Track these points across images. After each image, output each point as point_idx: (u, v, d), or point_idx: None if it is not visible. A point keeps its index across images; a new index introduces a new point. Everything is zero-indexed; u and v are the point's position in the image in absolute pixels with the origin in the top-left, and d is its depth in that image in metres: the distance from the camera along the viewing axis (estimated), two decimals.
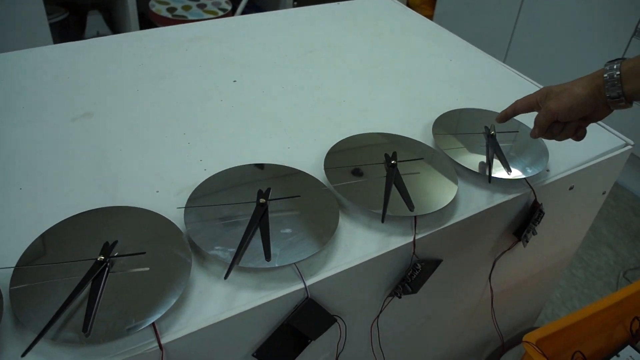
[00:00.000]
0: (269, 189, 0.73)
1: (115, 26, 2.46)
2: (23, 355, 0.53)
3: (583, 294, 1.70)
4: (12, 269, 0.61)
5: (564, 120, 0.75)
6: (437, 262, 0.79)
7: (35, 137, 0.84)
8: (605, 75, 0.71)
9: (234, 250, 0.64)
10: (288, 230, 0.68)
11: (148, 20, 2.33)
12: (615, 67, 0.70)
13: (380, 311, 0.79)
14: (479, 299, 1.00)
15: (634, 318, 1.10)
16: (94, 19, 2.36)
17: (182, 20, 2.25)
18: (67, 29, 2.33)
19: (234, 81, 1.02)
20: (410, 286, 0.75)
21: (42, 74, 1.00)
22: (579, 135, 0.79)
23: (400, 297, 0.76)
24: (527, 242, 0.89)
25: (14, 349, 0.56)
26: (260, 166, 0.79)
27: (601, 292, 1.71)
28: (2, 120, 0.88)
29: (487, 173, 0.82)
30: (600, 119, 0.77)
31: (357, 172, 0.79)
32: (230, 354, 0.66)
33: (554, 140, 0.93)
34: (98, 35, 2.36)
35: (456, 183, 0.79)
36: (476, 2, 2.48)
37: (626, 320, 1.11)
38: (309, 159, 0.83)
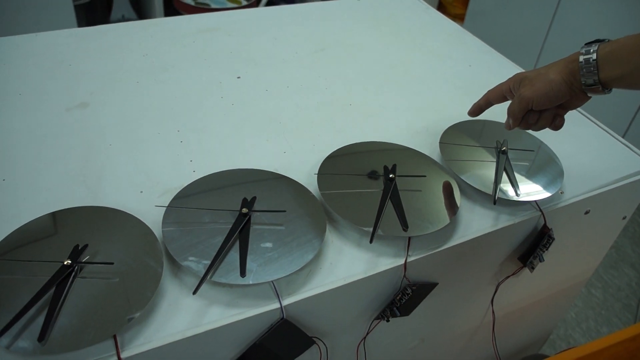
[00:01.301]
0: (254, 198, 0.69)
1: (141, 10, 2.45)
2: None
3: (600, 316, 1.62)
4: None
5: (538, 108, 0.70)
6: (431, 286, 0.74)
7: (27, 125, 0.82)
8: (581, 59, 0.65)
9: (208, 262, 0.60)
10: (269, 245, 0.64)
11: (174, 7, 2.31)
12: (592, 50, 0.64)
13: (367, 333, 0.74)
14: (480, 323, 0.95)
15: None
16: (121, 2, 2.34)
17: (205, 8, 2.22)
18: (94, 12, 2.32)
19: (238, 77, 0.98)
20: (399, 310, 0.70)
21: (44, 60, 0.98)
22: (556, 124, 0.74)
23: (388, 321, 0.72)
24: (533, 268, 0.83)
25: None
26: (250, 171, 0.75)
27: (619, 314, 1.64)
28: None
29: (493, 193, 0.76)
30: (578, 107, 0.72)
31: (352, 184, 0.74)
32: None
33: (570, 160, 0.87)
34: (123, 19, 2.35)
35: (458, 202, 0.74)
36: (511, 2, 2.40)
37: (639, 356, 1.04)
38: (304, 166, 0.79)
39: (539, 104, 0.70)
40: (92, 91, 0.91)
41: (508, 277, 0.86)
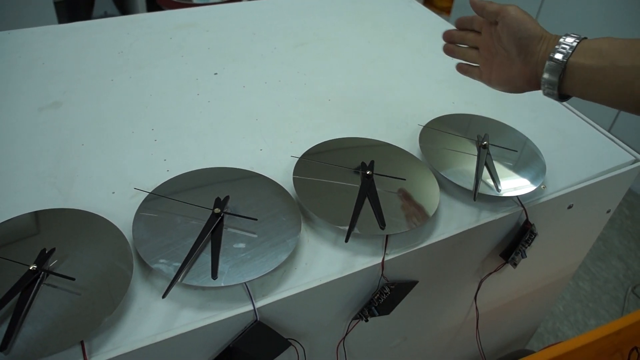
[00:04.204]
0: (227, 197, 0.67)
1: (124, 6, 2.42)
2: None
3: (588, 308, 1.62)
4: None
5: (501, 42, 0.69)
6: (412, 284, 0.73)
7: None
8: (545, 76, 0.64)
9: (179, 264, 0.59)
10: (242, 245, 0.62)
11: (156, 3, 2.28)
12: (561, 58, 0.62)
13: (346, 334, 0.73)
14: (463, 320, 0.94)
15: (633, 348, 1.02)
16: None
17: (188, 4, 2.19)
18: (76, 9, 2.29)
19: (215, 74, 0.96)
20: (378, 310, 0.69)
21: (17, 58, 0.96)
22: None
23: (366, 321, 0.71)
24: (516, 264, 0.82)
25: None
26: (225, 170, 0.74)
27: (607, 306, 1.63)
28: None
29: (473, 188, 0.75)
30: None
31: (329, 182, 0.73)
32: None
33: (554, 154, 0.86)
34: (106, 15, 2.32)
35: (437, 199, 0.73)
36: None
37: (624, 350, 1.03)
38: (281, 163, 0.77)
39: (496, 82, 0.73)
40: (65, 90, 0.89)
41: (490, 273, 0.85)
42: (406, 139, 0.85)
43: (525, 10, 0.68)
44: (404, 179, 0.74)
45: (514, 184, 0.78)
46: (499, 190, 0.76)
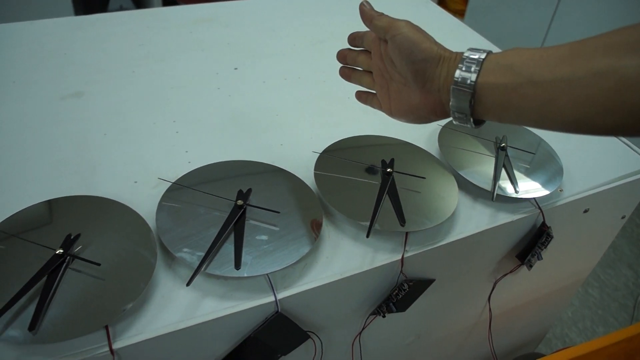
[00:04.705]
0: (249, 190, 0.68)
1: (139, 0, 2.43)
2: None
3: (596, 315, 1.62)
4: None
5: (394, 67, 0.59)
6: (429, 282, 0.73)
7: (20, 114, 0.81)
8: (452, 102, 0.54)
9: (202, 254, 0.59)
10: (264, 237, 0.63)
11: None
12: (468, 81, 0.51)
13: (363, 328, 0.73)
14: (477, 320, 0.94)
15: None
16: None
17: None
18: (92, 2, 2.30)
19: (235, 69, 0.97)
20: (396, 306, 0.69)
21: (38, 48, 0.97)
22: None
23: (384, 317, 0.71)
24: (532, 266, 0.83)
25: None
26: (247, 163, 0.74)
27: (616, 314, 1.63)
28: None
29: (492, 189, 0.76)
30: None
31: (349, 179, 0.73)
32: None
33: (570, 158, 0.86)
34: (121, 9, 2.33)
35: (456, 198, 0.73)
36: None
37: (636, 357, 1.03)
38: (300, 159, 0.78)
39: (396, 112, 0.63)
40: (87, 80, 0.90)
41: (506, 274, 0.85)
42: (425, 138, 0.86)
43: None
44: (424, 178, 0.75)
45: (531, 186, 0.78)
46: (517, 192, 0.77)
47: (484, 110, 0.52)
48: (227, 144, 0.79)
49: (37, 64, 0.92)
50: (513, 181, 0.78)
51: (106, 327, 0.54)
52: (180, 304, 0.58)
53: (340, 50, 0.69)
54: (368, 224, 0.66)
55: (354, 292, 0.68)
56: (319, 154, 0.76)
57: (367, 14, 0.61)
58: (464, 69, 0.52)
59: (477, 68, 0.51)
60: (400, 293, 0.68)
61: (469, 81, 0.51)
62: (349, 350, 0.76)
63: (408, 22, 0.58)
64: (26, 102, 0.83)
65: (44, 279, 0.55)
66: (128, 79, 0.91)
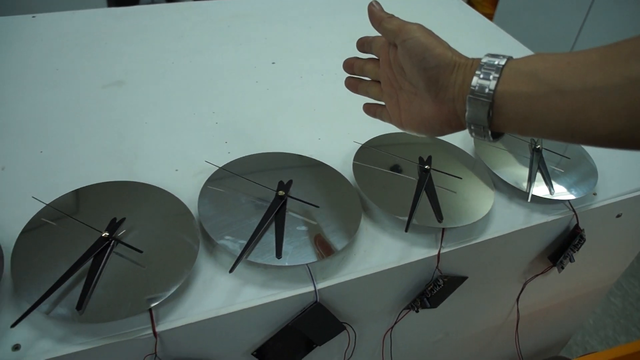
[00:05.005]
0: (290, 181, 0.69)
1: None
2: (12, 326, 0.51)
3: (619, 324, 1.61)
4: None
5: (405, 77, 0.55)
6: (461, 279, 0.74)
7: (64, 101, 0.83)
8: (468, 113, 0.49)
9: (244, 242, 0.60)
10: (304, 228, 0.64)
11: None
12: (486, 90, 0.47)
13: (395, 323, 0.74)
14: (504, 321, 0.94)
15: None
16: None
17: None
18: None
19: (273, 63, 0.98)
20: (430, 301, 0.70)
21: (80, 37, 0.99)
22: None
23: (417, 312, 0.72)
24: (563, 268, 0.83)
25: (8, 317, 0.54)
26: (287, 155, 0.75)
27: (639, 324, 1.62)
28: (34, 81, 0.86)
29: (528, 190, 0.76)
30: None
31: (387, 174, 0.74)
32: (229, 350, 0.63)
33: (604, 161, 0.86)
34: (153, 2, 2.36)
35: (492, 197, 0.73)
36: (542, 3, 2.37)
37: None
38: (339, 154, 0.78)
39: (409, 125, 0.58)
40: (127, 70, 0.91)
41: (536, 275, 0.85)
42: (461, 136, 0.86)
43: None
44: (461, 178, 0.75)
45: (565, 189, 0.78)
46: (552, 193, 0.77)
47: (504, 122, 0.47)
48: (266, 136, 0.80)
49: (79, 52, 0.94)
50: (548, 183, 0.78)
51: (150, 311, 0.55)
52: (221, 291, 0.59)
53: (347, 59, 0.64)
54: (405, 218, 0.67)
55: (390, 286, 0.69)
56: (360, 145, 0.76)
57: (376, 15, 0.56)
58: (481, 76, 0.47)
59: (497, 75, 0.46)
60: (435, 288, 0.69)
61: (487, 89, 0.46)
62: (379, 345, 0.77)
63: (420, 26, 0.53)
64: (69, 89, 0.85)
65: (90, 260, 0.57)
66: (167, 69, 0.92)
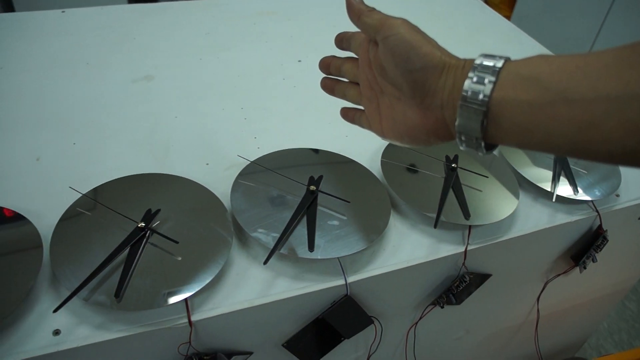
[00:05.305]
0: (320, 177, 0.70)
1: None
2: (55, 311, 0.52)
3: (633, 329, 1.61)
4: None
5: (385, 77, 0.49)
6: (485, 277, 0.75)
7: (95, 94, 0.84)
8: (459, 122, 0.42)
9: (277, 235, 0.62)
10: (335, 223, 0.65)
11: None
12: (480, 96, 0.40)
13: (420, 318, 0.75)
14: (524, 320, 0.95)
15: None
16: None
17: None
18: None
19: (299, 61, 0.99)
20: (455, 297, 0.71)
21: (109, 33, 1.00)
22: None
23: (442, 307, 0.72)
24: (585, 268, 0.83)
25: (47, 303, 0.55)
26: (316, 151, 0.76)
27: None
28: (65, 74, 0.88)
29: (552, 190, 0.77)
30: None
31: (414, 171, 0.75)
32: (260, 341, 0.64)
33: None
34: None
35: (517, 196, 0.74)
36: (559, 6, 2.37)
37: None
38: (366, 151, 0.79)
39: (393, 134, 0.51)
40: (156, 65, 0.93)
41: (558, 275, 0.86)
42: None
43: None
44: (487, 177, 0.76)
45: (589, 189, 0.79)
46: (576, 194, 0.77)
47: (500, 133, 0.41)
48: (294, 132, 0.82)
49: (109, 47, 0.96)
50: (572, 183, 0.79)
51: (185, 300, 0.57)
52: (254, 282, 0.60)
53: (323, 58, 0.58)
54: (432, 215, 0.68)
55: (417, 281, 0.70)
56: (385, 147, 0.77)
57: (354, 7, 0.50)
58: (475, 79, 0.41)
59: (493, 79, 0.40)
60: (460, 285, 0.70)
61: (481, 95, 0.40)
62: (403, 340, 0.78)
63: (405, 21, 0.47)
64: (100, 83, 0.87)
65: (127, 250, 0.58)
66: (195, 65, 0.94)
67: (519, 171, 0.79)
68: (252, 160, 0.72)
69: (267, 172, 0.70)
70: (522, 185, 0.79)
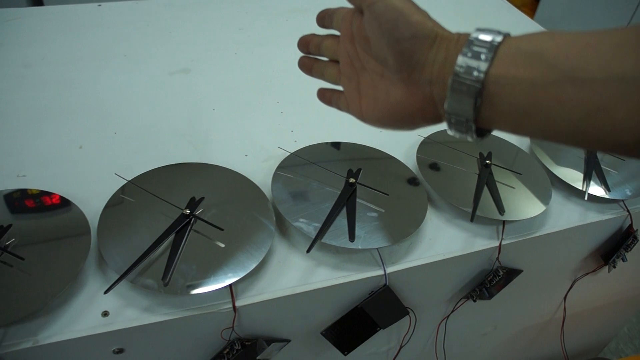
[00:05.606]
0: (359, 170, 0.71)
1: None
2: (106, 292, 0.54)
3: None
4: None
5: (368, 51, 0.45)
6: (517, 272, 0.75)
7: (133, 85, 0.86)
8: (448, 102, 0.38)
9: (318, 225, 0.63)
10: (374, 215, 0.66)
11: None
12: (474, 72, 0.36)
13: (452, 311, 0.76)
14: (550, 317, 0.96)
15: None
16: None
17: None
18: None
19: None
20: (488, 292, 0.72)
21: (146, 26, 1.02)
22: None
23: (475, 301, 0.74)
24: (615, 267, 0.84)
25: (96, 285, 0.57)
26: (353, 146, 0.78)
27: None
28: (105, 66, 0.90)
29: (584, 189, 0.77)
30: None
31: (449, 167, 0.76)
32: (299, 329, 0.66)
33: None
34: None
35: (550, 194, 0.75)
36: (582, 9, 2.36)
37: None
38: (401, 146, 0.81)
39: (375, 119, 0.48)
40: (192, 58, 0.94)
41: (587, 273, 0.86)
42: (517, 137, 0.88)
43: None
44: (521, 174, 0.77)
45: (620, 188, 0.79)
46: (607, 193, 0.78)
47: (495, 115, 0.37)
48: (329, 126, 0.83)
49: (145, 40, 0.98)
50: (603, 182, 0.80)
51: (230, 286, 0.58)
52: (296, 271, 0.62)
53: (302, 36, 0.55)
54: (468, 209, 0.69)
55: (452, 274, 0.71)
56: (422, 139, 0.78)
57: None
58: (469, 54, 0.36)
59: (490, 54, 0.35)
60: (494, 279, 0.71)
61: (476, 72, 0.36)
62: (433, 333, 0.79)
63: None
64: (138, 74, 0.88)
65: (172, 236, 0.60)
66: (231, 59, 0.95)
67: (550, 169, 0.80)
68: (290, 151, 0.74)
69: (306, 165, 0.72)
70: (554, 184, 0.80)
